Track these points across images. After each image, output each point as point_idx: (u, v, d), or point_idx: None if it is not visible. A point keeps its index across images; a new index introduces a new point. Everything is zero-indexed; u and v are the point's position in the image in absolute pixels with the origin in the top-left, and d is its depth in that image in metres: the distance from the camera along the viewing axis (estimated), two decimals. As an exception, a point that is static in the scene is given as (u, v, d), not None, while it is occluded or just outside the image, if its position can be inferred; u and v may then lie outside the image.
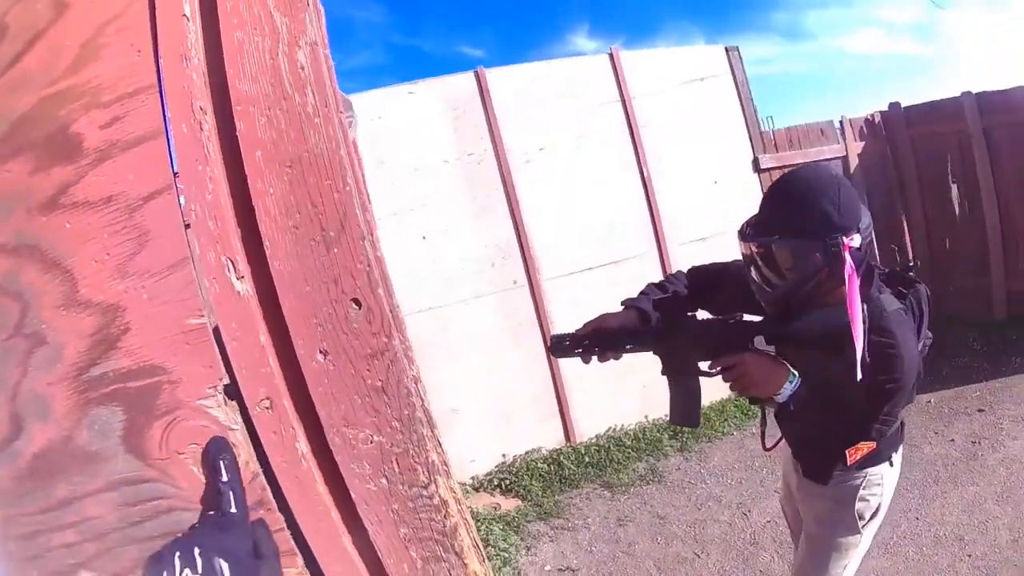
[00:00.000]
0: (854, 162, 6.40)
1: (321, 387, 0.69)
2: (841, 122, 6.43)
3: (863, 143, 6.53)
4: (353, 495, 0.71)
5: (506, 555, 3.65)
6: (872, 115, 6.68)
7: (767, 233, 1.69)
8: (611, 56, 5.01)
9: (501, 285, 4.61)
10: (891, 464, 1.97)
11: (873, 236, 1.70)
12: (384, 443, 0.71)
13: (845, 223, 1.60)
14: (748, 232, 1.74)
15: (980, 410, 4.89)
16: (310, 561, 0.71)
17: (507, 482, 4.43)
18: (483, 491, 4.38)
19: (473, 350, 4.49)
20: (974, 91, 6.15)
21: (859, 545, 2.01)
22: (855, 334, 1.52)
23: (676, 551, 3.66)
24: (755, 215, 1.77)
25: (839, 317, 1.55)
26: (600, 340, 1.76)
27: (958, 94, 6.22)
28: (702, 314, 1.88)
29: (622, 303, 1.91)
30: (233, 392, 0.67)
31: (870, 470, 1.91)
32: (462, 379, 4.44)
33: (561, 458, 4.61)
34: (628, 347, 1.75)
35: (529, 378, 4.67)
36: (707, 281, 2.06)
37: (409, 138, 4.49)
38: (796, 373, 1.66)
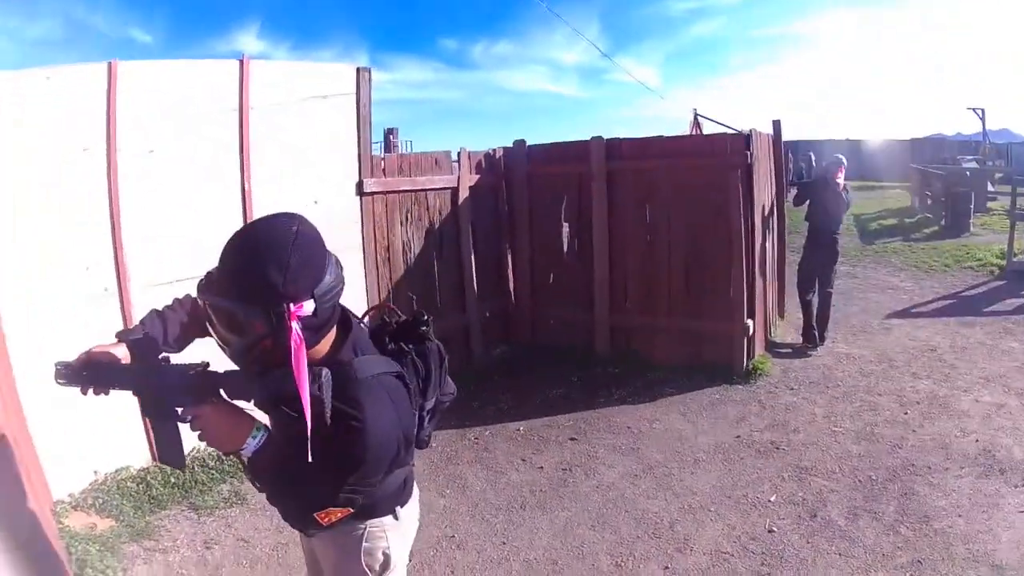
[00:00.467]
0: (464, 193, 6.61)
1: None
2: (459, 153, 6.64)
3: (478, 176, 6.78)
4: None
5: (104, 576, 3.51)
6: (494, 150, 7.05)
7: (212, 291, 1.52)
8: (241, 63, 4.85)
9: (90, 292, 4.31)
10: (396, 518, 1.93)
11: (340, 291, 1.59)
12: None
13: (293, 290, 1.45)
14: (201, 284, 1.57)
15: (572, 439, 5.18)
16: None
17: (100, 501, 4.20)
18: (80, 511, 4.11)
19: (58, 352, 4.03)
20: (606, 137, 6.65)
21: None
22: (304, 405, 1.45)
23: (261, 574, 3.73)
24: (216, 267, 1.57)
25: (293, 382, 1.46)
26: (91, 373, 1.62)
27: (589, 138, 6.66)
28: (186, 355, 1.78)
29: (116, 335, 1.75)
30: None
31: (370, 522, 1.88)
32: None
33: (149, 478, 4.48)
34: (113, 384, 1.63)
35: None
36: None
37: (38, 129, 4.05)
38: (263, 427, 1.61)
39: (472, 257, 6.74)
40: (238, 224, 4.45)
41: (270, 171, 5.01)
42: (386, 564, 1.95)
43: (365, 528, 1.88)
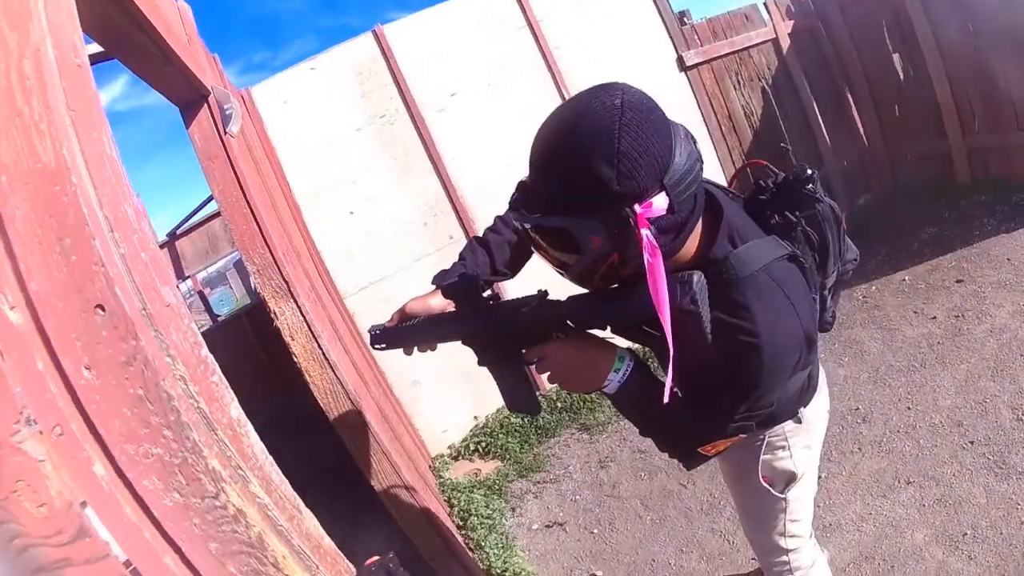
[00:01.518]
0: (786, 43, 5.86)
1: (94, 404, 0.66)
2: (765, 4, 5.87)
3: (792, 21, 5.96)
4: (155, 513, 0.68)
5: (491, 522, 3.62)
6: (796, -10, 6.05)
7: (530, 208, 1.23)
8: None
9: (437, 243, 4.41)
10: (798, 421, 1.64)
11: (699, 176, 1.18)
12: (163, 455, 0.69)
13: (633, 186, 1.09)
14: (514, 200, 1.30)
15: (959, 281, 4.57)
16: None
17: (483, 444, 4.36)
18: (462, 459, 4.35)
19: (419, 315, 4.29)
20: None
21: (787, 508, 1.78)
22: (665, 329, 1.11)
23: (661, 484, 3.56)
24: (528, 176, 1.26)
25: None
26: (409, 330, 1.49)
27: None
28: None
29: (433, 280, 1.57)
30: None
31: (769, 432, 1.65)
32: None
33: (533, 408, 4.49)
34: (438, 336, 1.47)
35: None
36: None
37: (318, 115, 4.26)
38: (627, 355, 1.33)
39: (814, 105, 6.13)
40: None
41: (578, 74, 4.70)
42: (790, 476, 1.72)
43: (764, 439, 1.66)
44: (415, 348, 1.51)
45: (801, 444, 1.69)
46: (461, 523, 3.54)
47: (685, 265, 1.25)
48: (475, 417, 4.54)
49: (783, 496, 1.75)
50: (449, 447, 4.44)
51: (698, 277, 1.14)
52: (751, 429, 1.37)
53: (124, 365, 0.69)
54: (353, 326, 4.16)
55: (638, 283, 1.16)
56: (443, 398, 4.41)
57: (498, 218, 1.71)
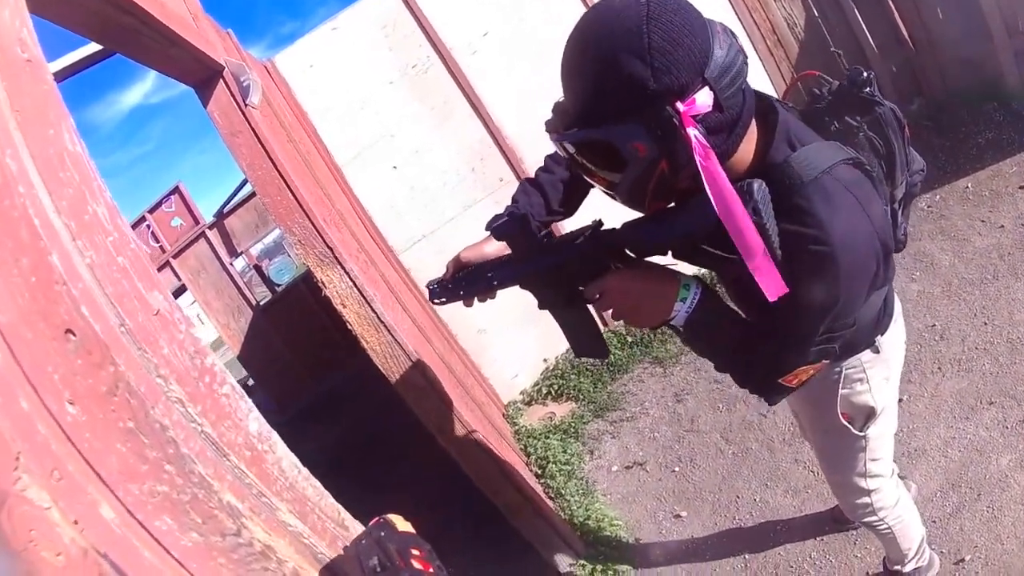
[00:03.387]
0: None
1: (86, 442, 0.59)
2: None
3: None
4: (176, 555, 0.62)
5: (569, 468, 3.58)
6: None
7: (566, 126, 1.12)
8: None
9: (487, 188, 4.27)
10: (876, 350, 1.54)
11: (744, 70, 1.06)
12: (170, 493, 0.62)
13: (671, 80, 0.98)
14: (550, 123, 1.18)
15: (1022, 187, 4.26)
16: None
17: (556, 387, 4.28)
18: (535, 403, 4.29)
19: (476, 263, 4.20)
20: None
21: (867, 447, 1.68)
22: (734, 237, 1.04)
23: (741, 416, 3.44)
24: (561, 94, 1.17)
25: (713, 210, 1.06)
26: (465, 280, 1.43)
27: None
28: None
29: (486, 226, 1.42)
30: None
31: (846, 363, 1.54)
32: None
33: (605, 346, 4.39)
34: (495, 285, 1.40)
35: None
36: None
37: (346, 74, 4.14)
38: (693, 281, 1.22)
39: (856, 12, 5.74)
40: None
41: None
42: (869, 412, 1.61)
43: (840, 372, 1.55)
44: (475, 299, 1.45)
45: (880, 376, 1.57)
46: (540, 471, 3.49)
47: (742, 174, 1.15)
48: (544, 360, 4.47)
49: (862, 434, 1.64)
50: (521, 393, 4.39)
51: (759, 184, 1.05)
52: (834, 353, 1.26)
53: (107, 396, 0.60)
54: (410, 281, 4.11)
55: (695, 195, 1.08)
56: (511, 343, 4.34)
57: (548, 157, 1.62)
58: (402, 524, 0.81)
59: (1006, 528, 2.31)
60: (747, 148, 1.16)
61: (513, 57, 4.24)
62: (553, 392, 4.24)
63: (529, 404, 4.28)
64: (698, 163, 1.01)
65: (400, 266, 4.14)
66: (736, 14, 4.81)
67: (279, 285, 10.22)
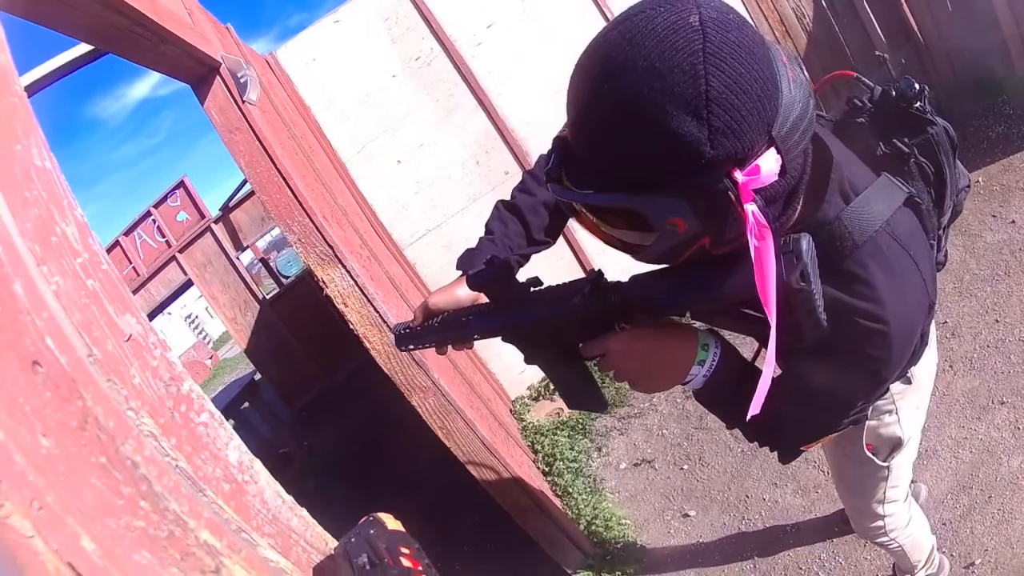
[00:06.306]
0: None
1: (61, 476, 0.56)
2: None
3: None
4: None
5: (577, 465, 3.54)
6: None
7: (578, 181, 0.86)
8: None
9: (492, 181, 4.22)
10: (908, 381, 1.39)
11: (813, 120, 0.84)
12: (146, 528, 0.59)
13: (733, 145, 0.74)
14: (551, 171, 0.89)
15: None
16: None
17: None
18: (543, 399, 4.24)
19: (485, 255, 4.14)
20: None
21: (889, 476, 1.58)
22: (771, 324, 0.80)
23: None
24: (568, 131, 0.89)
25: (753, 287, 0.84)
26: (438, 327, 1.21)
27: None
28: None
29: (457, 263, 1.27)
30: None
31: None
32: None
33: (611, 338, 4.33)
34: (471, 335, 1.18)
35: (550, 265, 4.24)
36: None
37: (349, 68, 4.10)
38: (712, 343, 1.03)
39: (865, 4, 5.65)
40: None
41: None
42: (895, 443, 1.49)
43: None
44: (448, 347, 1.24)
45: (910, 405, 1.46)
46: (547, 468, 3.46)
47: (791, 228, 0.94)
48: (552, 355, 4.41)
49: (886, 464, 1.54)
50: (528, 388, 4.35)
51: (807, 243, 0.84)
52: (863, 421, 1.19)
53: (78, 430, 0.57)
54: (416, 276, 4.07)
55: (732, 259, 0.88)
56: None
57: (527, 174, 1.41)
58: (391, 522, 0.79)
59: (1016, 531, 2.27)
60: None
61: (518, 49, 4.18)
62: (562, 388, 4.20)
63: (536, 399, 4.24)
64: (751, 245, 0.78)
65: (405, 261, 4.11)
66: (744, 5, 4.72)
67: (287, 277, 10.22)
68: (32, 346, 0.56)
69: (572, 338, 1.10)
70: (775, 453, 1.21)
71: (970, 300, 3.40)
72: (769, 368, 0.85)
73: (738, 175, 0.75)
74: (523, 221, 1.36)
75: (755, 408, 0.86)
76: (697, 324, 1.14)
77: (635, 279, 1.01)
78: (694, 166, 0.74)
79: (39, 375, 0.56)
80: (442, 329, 1.20)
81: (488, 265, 1.24)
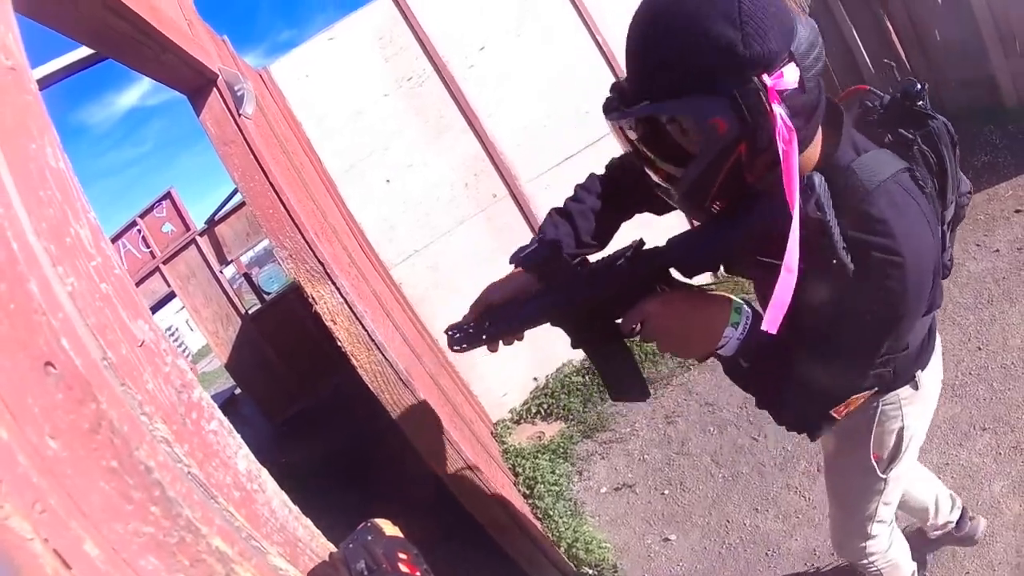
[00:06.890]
0: None
1: (67, 478, 0.55)
2: None
3: None
4: None
5: (558, 488, 3.54)
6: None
7: (634, 98, 1.01)
8: None
9: (480, 204, 4.23)
10: (915, 386, 1.46)
11: (823, 55, 1.01)
12: (155, 534, 0.58)
13: (761, 49, 0.91)
14: (609, 103, 1.06)
15: (1018, 211, 4.24)
16: None
17: (545, 406, 4.25)
18: (524, 422, 4.26)
19: (469, 278, 4.07)
20: None
21: (884, 490, 1.64)
22: (790, 240, 0.95)
23: (731, 439, 3.42)
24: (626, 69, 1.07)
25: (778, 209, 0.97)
26: (492, 323, 1.27)
27: None
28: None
29: (510, 259, 1.33)
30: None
31: (884, 398, 1.46)
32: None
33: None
34: (522, 325, 1.25)
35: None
36: (632, 177, 1.37)
37: (342, 85, 4.14)
38: (744, 306, 1.12)
39: (854, 32, 5.94)
40: (606, 73, 4.24)
41: (605, 7, 4.30)
42: (897, 448, 1.56)
43: (878, 407, 1.48)
44: (499, 343, 1.29)
45: (915, 413, 1.52)
46: (528, 491, 3.45)
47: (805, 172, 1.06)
48: (535, 378, 4.44)
49: (884, 476, 1.60)
50: (510, 411, 4.36)
51: (819, 179, 1.00)
52: (888, 379, 1.23)
53: (90, 433, 0.56)
54: (401, 296, 4.07)
55: (751, 200, 1.04)
56: (501, 361, 4.27)
57: (579, 186, 1.51)
58: (389, 528, 0.79)
59: (998, 555, 2.30)
60: (815, 144, 1.10)
61: (510, 73, 4.23)
62: (543, 411, 4.21)
63: (518, 423, 4.25)
64: (779, 147, 0.93)
65: (391, 281, 4.11)
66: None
67: (268, 293, 10.16)
68: (45, 346, 0.56)
69: (613, 312, 1.17)
70: (807, 430, 1.25)
71: (953, 328, 3.44)
72: (793, 257, 0.95)
73: (766, 78, 0.92)
74: (572, 223, 1.43)
75: (773, 322, 0.96)
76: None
77: (671, 240, 1.13)
78: (731, 64, 0.92)
79: (51, 376, 0.56)
80: (495, 322, 1.26)
81: (539, 245, 1.31)
